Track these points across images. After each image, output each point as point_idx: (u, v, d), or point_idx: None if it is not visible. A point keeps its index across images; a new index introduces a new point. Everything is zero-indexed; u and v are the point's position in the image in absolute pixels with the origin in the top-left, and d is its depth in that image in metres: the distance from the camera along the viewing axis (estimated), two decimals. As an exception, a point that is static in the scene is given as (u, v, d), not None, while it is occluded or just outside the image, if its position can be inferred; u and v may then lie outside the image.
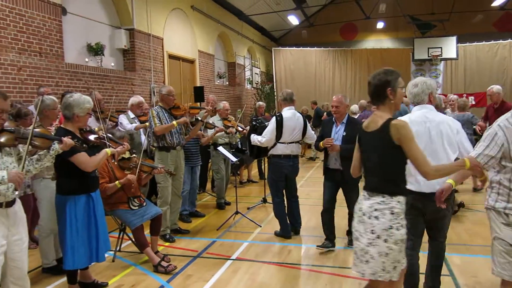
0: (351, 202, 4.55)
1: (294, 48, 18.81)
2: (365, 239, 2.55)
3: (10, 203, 2.84)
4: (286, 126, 5.14)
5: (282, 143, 5.18)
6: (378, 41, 21.01)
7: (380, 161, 2.60)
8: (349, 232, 4.84)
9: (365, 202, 2.61)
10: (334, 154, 4.71)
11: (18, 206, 2.96)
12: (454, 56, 16.79)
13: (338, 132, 4.71)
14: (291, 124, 5.19)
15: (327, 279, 4.14)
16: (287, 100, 5.32)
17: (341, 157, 4.64)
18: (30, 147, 2.86)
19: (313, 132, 5.65)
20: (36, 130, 2.98)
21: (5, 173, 2.64)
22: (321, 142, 4.70)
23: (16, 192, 2.86)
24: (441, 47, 16.66)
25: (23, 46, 6.66)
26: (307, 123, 5.43)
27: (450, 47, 16.68)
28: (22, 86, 6.62)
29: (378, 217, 2.51)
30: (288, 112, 5.24)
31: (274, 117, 5.22)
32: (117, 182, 4.35)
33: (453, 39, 16.66)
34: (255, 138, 5.33)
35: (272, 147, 5.24)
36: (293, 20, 19.44)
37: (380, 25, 20.18)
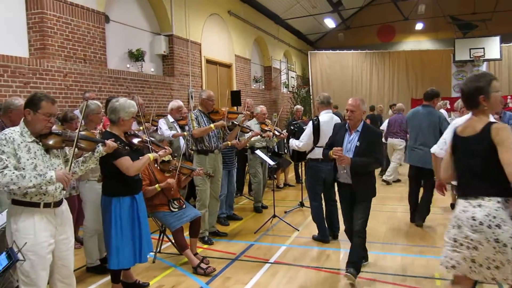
0: (355, 220, 4.12)
1: (330, 51, 18.65)
2: (489, 247, 2.48)
3: (58, 203, 2.96)
4: (324, 130, 5.08)
5: (320, 147, 5.12)
6: (417, 42, 20.53)
7: (485, 165, 2.54)
8: (353, 257, 4.07)
9: (477, 210, 2.53)
10: (344, 166, 4.10)
11: (65, 206, 3.07)
12: (498, 56, 16.16)
13: (351, 142, 4.09)
14: (329, 127, 5.12)
15: (367, 284, 4.06)
16: (324, 104, 5.27)
17: (351, 171, 4.04)
18: (76, 149, 2.96)
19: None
20: (82, 133, 3.08)
21: (54, 173, 2.75)
22: (330, 152, 4.02)
23: (64, 192, 2.97)
24: (483, 48, 16.06)
25: (69, 53, 6.93)
26: None
27: (493, 47, 16.07)
28: (67, 92, 6.88)
29: (500, 226, 2.45)
30: (325, 116, 5.19)
31: (311, 121, 5.18)
32: (157, 185, 4.43)
33: (496, 39, 16.03)
34: (293, 143, 5.30)
35: (310, 150, 5.20)
36: (330, 23, 19.31)
37: (419, 26, 19.72)
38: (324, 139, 5.09)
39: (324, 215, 5.37)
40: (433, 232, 5.67)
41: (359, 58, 18.48)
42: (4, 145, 2.70)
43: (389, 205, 7.20)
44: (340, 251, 5.05)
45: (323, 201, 5.41)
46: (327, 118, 5.17)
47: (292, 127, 5.58)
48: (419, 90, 17.35)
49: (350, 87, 18.21)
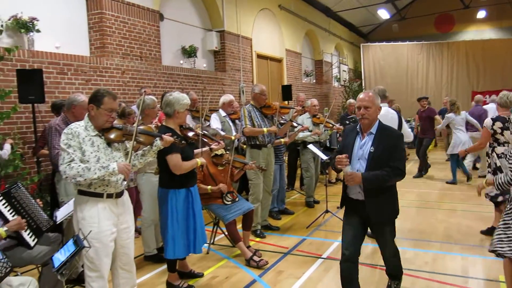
0: (384, 251, 3.49)
1: (384, 43, 18.11)
2: None
3: (120, 194, 3.10)
4: None
5: None
6: (479, 32, 19.48)
7: None
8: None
9: None
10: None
11: (126, 197, 3.21)
12: None
13: (363, 147, 3.25)
14: (384, 122, 4.97)
15: (424, 284, 3.93)
16: (379, 97, 5.12)
17: (365, 188, 3.20)
18: (135, 143, 3.08)
19: (409, 129, 5.37)
20: (140, 127, 3.20)
21: (116, 165, 2.89)
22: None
23: (125, 183, 3.11)
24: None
25: (126, 51, 7.20)
26: (402, 119, 5.18)
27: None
28: (125, 88, 7.16)
29: None
30: (381, 110, 5.04)
31: None
32: (209, 187, 4.52)
33: None
34: None
35: None
36: (383, 14, 18.77)
37: (481, 14, 18.70)
38: None
39: None
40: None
41: (415, 49, 17.76)
42: (71, 139, 2.87)
43: (448, 203, 6.91)
44: (396, 248, 4.91)
45: None
46: (382, 112, 5.00)
47: (347, 122, 5.46)
48: (481, 82, 16.47)
49: (404, 80, 17.58)
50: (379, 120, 3.32)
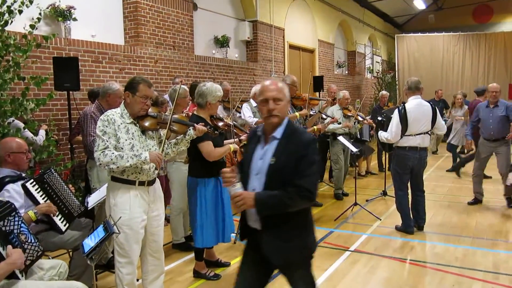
0: None
1: (419, 34, 17.58)
2: None
3: (151, 182, 3.15)
4: (412, 117, 4.84)
5: (409, 135, 4.89)
6: (519, 23, 18.69)
7: None
8: None
9: None
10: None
11: (158, 185, 3.27)
12: None
13: (263, 158, 2.32)
14: (417, 114, 4.87)
15: (454, 279, 3.84)
16: (412, 89, 5.00)
17: (260, 216, 2.27)
18: (169, 131, 3.12)
19: (443, 122, 5.23)
20: (175, 116, 3.23)
21: (148, 154, 2.94)
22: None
23: (157, 171, 3.16)
24: None
25: (160, 40, 7.28)
26: (437, 111, 5.05)
27: None
28: (158, 77, 7.26)
29: None
30: (412, 102, 4.93)
31: (396, 110, 4.94)
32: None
33: None
34: (382, 136, 5.09)
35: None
36: (419, 4, 18.24)
37: (522, 4, 17.93)
38: (413, 127, 4.87)
39: (410, 206, 5.16)
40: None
41: (451, 41, 17.17)
42: (106, 126, 2.93)
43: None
44: (426, 243, 4.83)
45: (409, 190, 5.19)
46: (414, 105, 4.91)
47: (380, 118, 5.35)
48: (519, 75, 15.86)
49: (439, 72, 17.05)
50: (288, 120, 2.37)
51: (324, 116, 6.29)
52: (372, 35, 18.18)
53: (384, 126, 5.17)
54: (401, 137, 4.91)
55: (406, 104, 4.94)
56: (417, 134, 4.89)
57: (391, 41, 19.37)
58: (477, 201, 6.30)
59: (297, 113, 5.19)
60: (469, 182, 7.80)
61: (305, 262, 2.43)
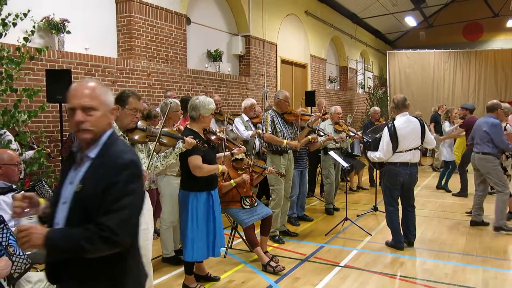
0: None
1: (410, 50, 17.85)
2: None
3: (140, 196, 3.13)
4: (402, 135, 4.90)
5: (400, 152, 4.94)
6: (508, 41, 19.05)
7: None
8: None
9: None
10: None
11: (146, 198, 3.26)
12: None
13: (73, 182, 1.82)
14: (406, 131, 4.93)
15: (444, 297, 3.86)
16: (399, 107, 5.07)
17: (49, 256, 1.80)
18: (158, 144, 3.13)
19: (432, 136, 5.30)
20: (164, 129, 3.25)
21: None
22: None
23: (145, 183, 3.15)
24: None
25: (153, 54, 7.32)
26: (425, 126, 5.12)
27: None
28: (150, 90, 7.28)
29: None
30: (401, 120, 4.99)
31: (386, 128, 4.99)
32: (232, 181, 4.54)
33: None
34: (372, 155, 5.13)
35: None
36: (410, 21, 18.57)
37: (510, 23, 18.32)
38: (403, 144, 4.92)
39: (400, 221, 5.18)
40: (521, 246, 5.25)
41: (442, 57, 17.45)
42: None
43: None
44: (416, 259, 4.85)
45: (399, 206, 5.22)
46: (403, 121, 4.97)
47: (365, 140, 5.38)
48: (509, 92, 16.11)
49: (430, 88, 17.28)
50: (110, 134, 1.86)
51: (321, 127, 6.36)
52: (364, 51, 18.41)
53: (371, 146, 5.20)
54: (393, 154, 4.95)
55: (395, 122, 4.99)
56: (407, 150, 4.94)
57: (382, 57, 19.63)
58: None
59: (284, 141, 5.21)
60: (460, 199, 7.88)
61: None
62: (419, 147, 5.06)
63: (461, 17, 18.44)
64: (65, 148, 5.31)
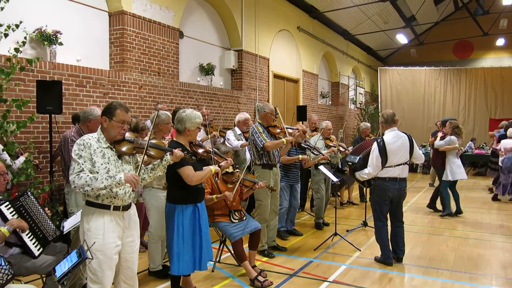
0: None
1: (401, 67, 18.10)
2: None
3: (127, 207, 3.12)
4: (391, 150, 4.93)
5: (389, 167, 4.97)
6: (498, 59, 19.39)
7: None
8: None
9: None
10: None
11: (133, 210, 3.24)
12: None
13: None
14: (396, 146, 4.97)
15: (432, 313, 3.84)
16: (388, 122, 5.12)
17: None
18: (145, 156, 3.12)
19: (420, 151, 5.34)
20: (152, 141, 3.24)
21: (123, 174, 2.92)
22: None
23: (133, 195, 3.13)
24: None
25: (145, 66, 7.35)
26: (413, 141, 5.16)
27: None
28: (141, 103, 7.28)
29: None
30: (390, 134, 5.03)
31: (375, 143, 5.02)
32: (214, 196, 4.52)
33: None
34: (361, 174, 5.12)
35: None
36: (402, 38, 18.82)
37: (500, 42, 18.66)
38: (392, 159, 4.95)
39: (389, 237, 5.18)
40: (503, 261, 5.26)
41: (433, 74, 17.71)
42: (82, 150, 2.92)
43: (460, 230, 6.79)
44: (404, 275, 4.84)
45: (388, 221, 5.22)
46: (392, 136, 5.01)
47: (350, 163, 5.37)
48: (499, 110, 16.34)
49: (421, 104, 17.50)
50: None
51: (312, 147, 6.36)
52: (355, 67, 18.61)
53: (356, 167, 5.20)
54: (381, 168, 4.97)
55: (384, 137, 5.03)
56: (396, 165, 4.97)
57: (374, 73, 19.85)
58: None
59: (284, 139, 5.23)
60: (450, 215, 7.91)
61: None
62: (408, 162, 5.09)
63: (451, 36, 18.75)
64: (55, 157, 5.26)
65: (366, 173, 5.06)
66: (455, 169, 7.52)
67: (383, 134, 5.18)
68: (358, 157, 5.17)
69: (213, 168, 3.81)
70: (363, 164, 5.09)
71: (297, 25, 12.99)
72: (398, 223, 5.20)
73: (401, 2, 15.37)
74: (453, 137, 7.58)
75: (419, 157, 5.26)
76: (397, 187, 5.02)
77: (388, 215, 5.21)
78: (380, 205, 5.13)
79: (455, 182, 7.68)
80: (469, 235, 6.51)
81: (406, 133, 5.18)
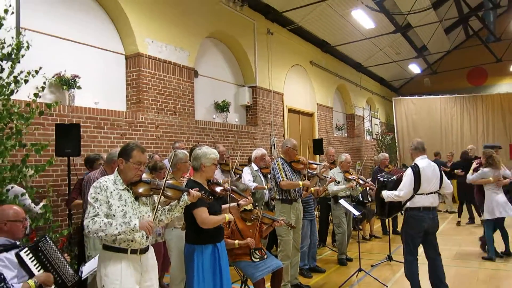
0: None
1: (416, 97, 17.98)
2: None
3: (144, 250, 3.05)
4: (424, 176, 4.80)
5: (421, 194, 4.81)
6: (513, 85, 19.21)
7: None
8: None
9: None
10: None
11: (151, 253, 3.16)
12: None
13: None
14: (428, 173, 4.84)
15: None
16: (419, 149, 5.01)
17: None
18: (162, 197, 3.07)
19: (449, 181, 5.19)
20: (169, 181, 3.20)
21: (137, 221, 2.87)
22: None
23: (150, 239, 3.07)
24: None
25: (161, 106, 7.44)
26: (442, 171, 5.03)
27: None
28: (158, 142, 7.32)
29: None
30: (423, 162, 4.91)
31: (409, 168, 4.88)
32: (236, 242, 4.41)
33: None
34: (389, 194, 4.92)
35: (409, 199, 4.87)
36: (414, 68, 18.85)
37: (514, 67, 18.54)
38: (425, 186, 4.79)
39: (428, 272, 4.91)
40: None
41: (448, 102, 17.51)
42: (98, 193, 2.90)
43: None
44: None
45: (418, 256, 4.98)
46: (425, 164, 4.89)
47: (382, 179, 5.22)
48: (519, 135, 16.04)
49: (439, 133, 17.22)
50: None
51: (322, 177, 6.28)
52: (369, 98, 18.60)
53: (386, 186, 5.05)
54: (413, 195, 4.80)
55: (418, 163, 4.88)
56: (428, 193, 4.82)
57: (388, 103, 19.77)
58: None
59: (300, 182, 5.17)
60: (476, 243, 7.60)
61: None
62: (438, 191, 4.93)
63: (464, 63, 18.72)
64: (70, 200, 5.26)
65: (395, 195, 4.81)
66: (495, 205, 6.58)
67: (404, 164, 5.06)
68: (393, 177, 5.02)
69: (228, 216, 3.74)
70: (394, 186, 4.93)
71: (309, 59, 13.14)
72: (436, 256, 4.91)
73: (412, 33, 15.48)
74: (485, 170, 6.71)
75: (448, 186, 5.09)
76: (431, 216, 4.83)
77: (419, 249, 4.96)
78: (414, 238, 4.88)
79: (502, 219, 6.67)
80: (500, 266, 6.22)
81: (436, 163, 5.06)
